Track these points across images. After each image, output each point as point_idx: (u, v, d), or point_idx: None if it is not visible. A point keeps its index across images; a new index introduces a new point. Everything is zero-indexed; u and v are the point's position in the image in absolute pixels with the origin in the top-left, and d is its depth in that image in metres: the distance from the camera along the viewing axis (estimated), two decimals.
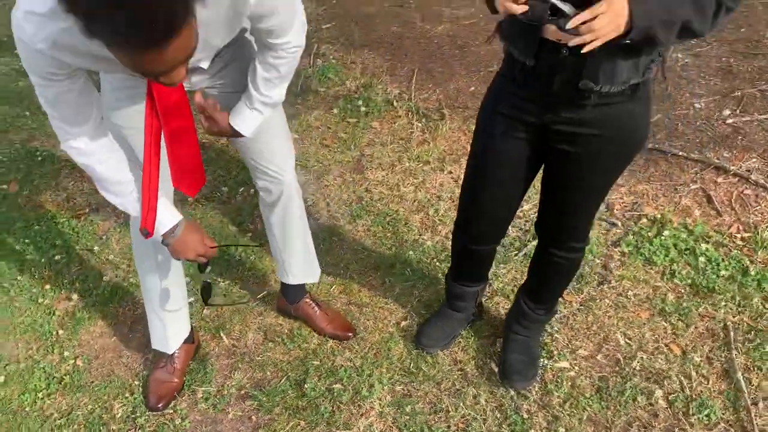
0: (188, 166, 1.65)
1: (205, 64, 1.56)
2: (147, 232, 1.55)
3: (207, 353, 2.19)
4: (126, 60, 1.06)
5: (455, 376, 2.09)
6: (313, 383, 2.06)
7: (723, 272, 2.38)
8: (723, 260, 2.42)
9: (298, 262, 2.16)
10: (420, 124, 3.27)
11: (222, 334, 2.25)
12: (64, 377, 2.15)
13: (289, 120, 1.90)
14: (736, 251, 2.44)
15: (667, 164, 2.89)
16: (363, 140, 3.21)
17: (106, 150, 1.51)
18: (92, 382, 2.14)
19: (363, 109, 3.40)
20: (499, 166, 1.75)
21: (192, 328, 2.14)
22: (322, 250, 2.51)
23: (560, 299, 2.28)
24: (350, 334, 2.23)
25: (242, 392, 2.07)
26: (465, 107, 3.38)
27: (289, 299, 2.26)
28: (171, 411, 2.02)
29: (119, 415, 2.02)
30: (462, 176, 1.90)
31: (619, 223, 2.64)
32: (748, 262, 2.39)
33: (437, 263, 2.51)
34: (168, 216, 1.59)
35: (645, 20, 1.28)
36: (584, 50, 1.31)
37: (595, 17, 1.25)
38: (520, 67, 1.54)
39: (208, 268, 1.75)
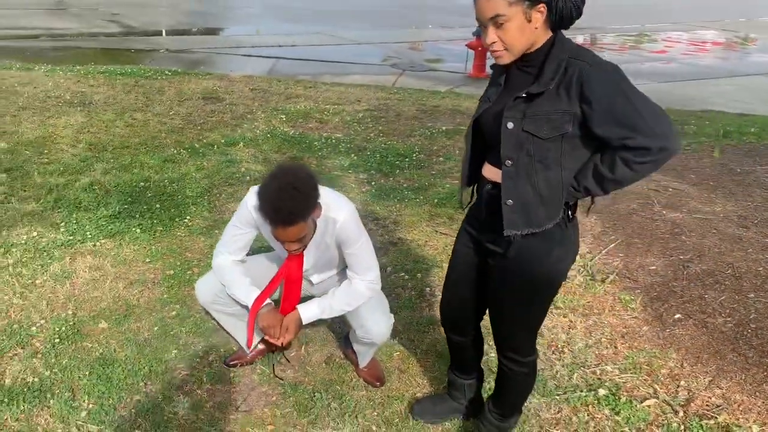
0: (285, 309, 2.43)
1: (314, 278, 2.55)
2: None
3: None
4: (270, 229, 2.09)
5: None
6: (321, 395, 2.61)
7: None
8: None
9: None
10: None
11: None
12: None
13: None
14: None
15: None
16: None
17: (237, 269, 2.43)
18: None
19: None
20: (455, 265, 2.22)
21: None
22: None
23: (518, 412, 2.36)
24: (378, 383, 2.75)
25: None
26: (634, 280, 3.52)
27: (344, 343, 2.89)
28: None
29: None
30: None
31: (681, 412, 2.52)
32: None
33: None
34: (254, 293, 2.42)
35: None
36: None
37: None
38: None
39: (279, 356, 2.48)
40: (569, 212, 1.89)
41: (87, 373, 2.64)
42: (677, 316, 3.21)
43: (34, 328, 2.89)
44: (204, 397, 2.58)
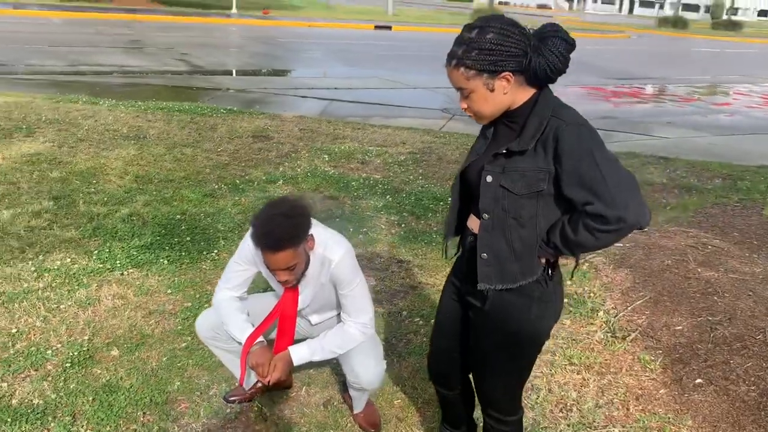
0: (279, 347, 2.42)
1: (313, 318, 2.55)
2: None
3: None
4: (261, 256, 2.14)
5: None
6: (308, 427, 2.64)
7: None
8: None
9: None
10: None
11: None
12: None
13: None
14: None
15: None
16: None
17: (234, 305, 2.46)
18: None
19: None
20: (440, 317, 2.20)
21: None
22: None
23: None
24: (372, 430, 2.69)
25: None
26: (657, 340, 3.36)
27: (343, 386, 2.88)
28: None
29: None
30: None
31: None
32: None
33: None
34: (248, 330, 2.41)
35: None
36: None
37: None
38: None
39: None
40: (549, 270, 1.86)
41: (90, 398, 2.71)
42: (698, 380, 3.05)
43: (49, 352, 3.00)
44: (197, 431, 2.60)
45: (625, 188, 1.64)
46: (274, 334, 2.48)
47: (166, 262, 3.97)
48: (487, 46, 1.68)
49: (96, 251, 4.04)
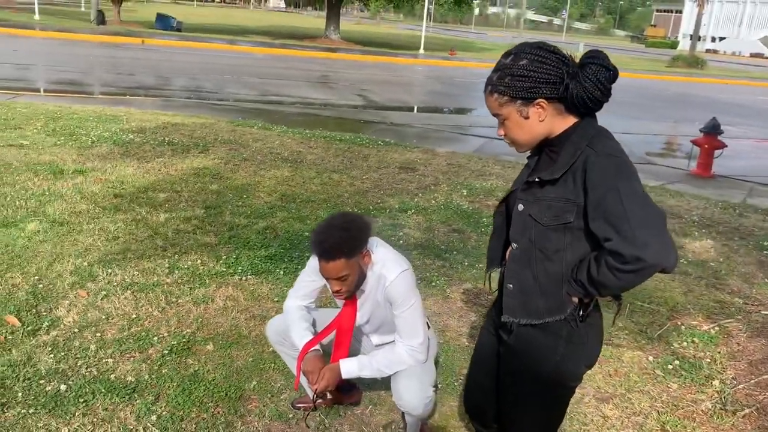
0: (334, 359, 2.49)
1: (374, 339, 2.63)
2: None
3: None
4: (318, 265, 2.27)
5: None
6: None
7: None
8: None
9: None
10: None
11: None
12: None
13: None
14: None
15: None
16: None
17: (299, 314, 2.58)
18: None
19: None
20: (477, 351, 2.13)
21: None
22: None
23: None
24: None
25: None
26: None
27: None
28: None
29: None
30: None
31: None
32: None
33: None
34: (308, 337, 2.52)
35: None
36: None
37: None
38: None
39: (318, 400, 2.45)
40: (581, 310, 1.74)
41: (175, 384, 2.96)
42: None
43: (156, 338, 3.33)
44: (257, 429, 2.73)
45: (648, 225, 1.51)
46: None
47: (282, 273, 4.23)
48: (519, 72, 1.65)
49: (225, 257, 4.41)
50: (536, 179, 1.73)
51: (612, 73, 1.66)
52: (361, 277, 2.37)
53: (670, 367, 3.39)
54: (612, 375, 3.33)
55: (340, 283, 2.28)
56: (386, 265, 2.37)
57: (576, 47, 33.77)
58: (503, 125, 1.75)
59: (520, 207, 1.77)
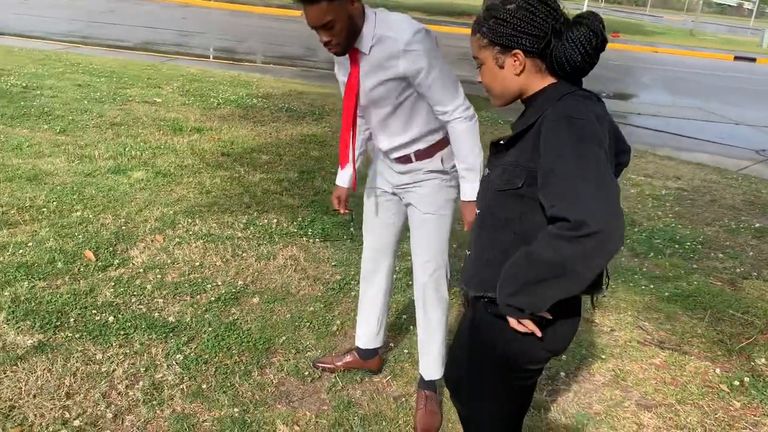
0: (346, 119, 2.29)
1: (382, 144, 2.37)
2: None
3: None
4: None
5: None
6: (366, 424, 2.59)
7: None
8: None
9: (425, 361, 2.66)
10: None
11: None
12: None
13: None
14: None
15: None
16: None
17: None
18: None
19: None
20: (460, 321, 2.01)
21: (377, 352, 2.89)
22: None
23: None
24: None
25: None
26: None
27: (419, 384, 2.75)
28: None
29: None
30: None
31: None
32: None
33: None
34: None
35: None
36: None
37: None
38: None
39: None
40: None
41: (211, 329, 3.11)
42: None
43: (209, 286, 3.51)
44: (272, 381, 2.80)
45: (597, 190, 1.35)
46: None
47: (349, 241, 4.27)
48: (503, 16, 1.54)
49: (301, 219, 4.53)
50: (500, 142, 1.62)
51: (598, 38, 1.50)
52: (353, 28, 2.11)
53: (738, 383, 3.02)
54: (667, 382, 3.03)
55: (327, 33, 2.07)
56: (392, 27, 2.12)
57: (761, 34, 30.47)
58: (480, 70, 1.65)
59: (486, 171, 1.68)
